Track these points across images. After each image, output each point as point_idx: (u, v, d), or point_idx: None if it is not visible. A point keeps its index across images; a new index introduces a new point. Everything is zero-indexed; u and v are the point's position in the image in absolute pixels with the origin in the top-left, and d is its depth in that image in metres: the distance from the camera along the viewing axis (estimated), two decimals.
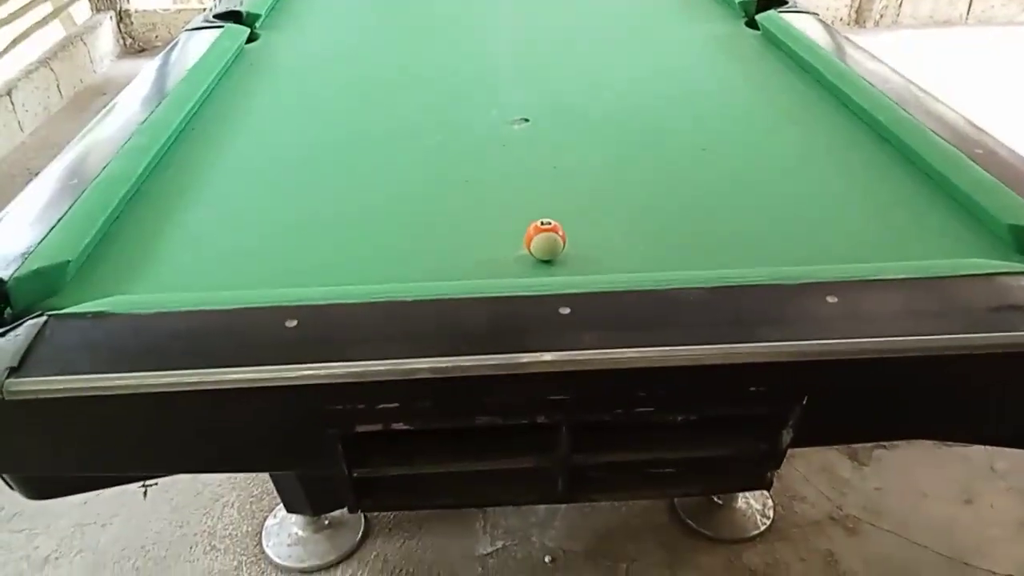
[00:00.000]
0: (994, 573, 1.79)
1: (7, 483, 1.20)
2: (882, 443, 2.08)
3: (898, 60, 1.99)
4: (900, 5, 5.61)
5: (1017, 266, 1.17)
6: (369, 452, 1.15)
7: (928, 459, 2.07)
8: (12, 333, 1.03)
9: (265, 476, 1.89)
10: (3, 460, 1.13)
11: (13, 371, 0.97)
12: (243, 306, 1.09)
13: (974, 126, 1.59)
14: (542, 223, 1.25)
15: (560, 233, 1.25)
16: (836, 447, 2.09)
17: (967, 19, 5.71)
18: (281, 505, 1.84)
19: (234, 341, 1.05)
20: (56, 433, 1.07)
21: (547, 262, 1.25)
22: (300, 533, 1.87)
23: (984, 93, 4.09)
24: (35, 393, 0.98)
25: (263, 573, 1.81)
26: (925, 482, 2.01)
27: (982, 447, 2.04)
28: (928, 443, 2.09)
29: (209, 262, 1.31)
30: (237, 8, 2.42)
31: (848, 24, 5.61)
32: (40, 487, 1.24)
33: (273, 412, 1.08)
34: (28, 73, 4.14)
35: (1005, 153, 1.47)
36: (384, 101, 1.96)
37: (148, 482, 2.00)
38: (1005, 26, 5.63)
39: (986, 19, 5.70)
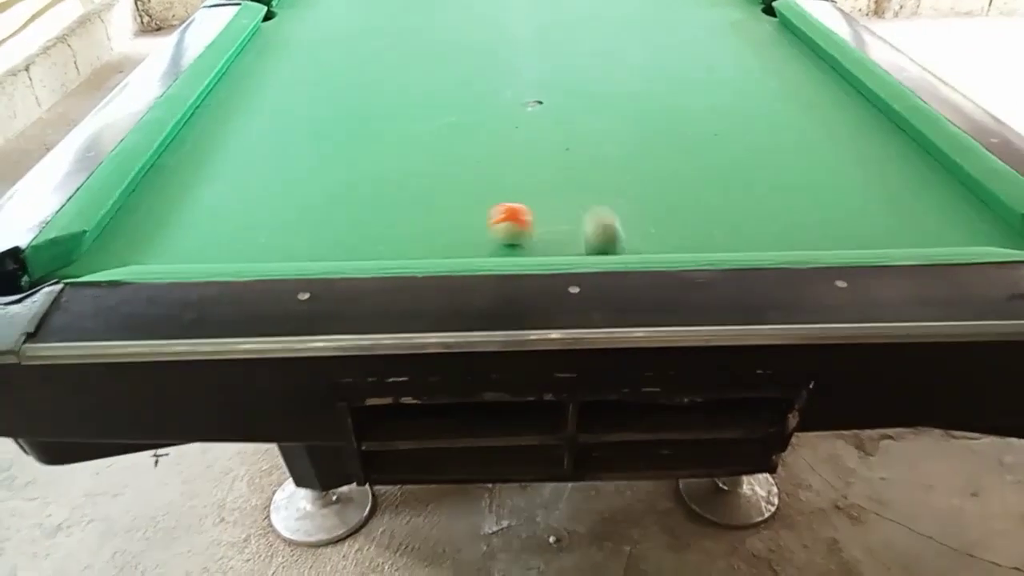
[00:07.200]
0: (998, 566, 1.79)
1: (22, 448, 1.22)
2: (889, 433, 2.09)
3: (917, 51, 1.97)
4: None
5: None
6: (378, 426, 1.17)
7: (935, 451, 2.07)
8: (29, 300, 1.05)
9: (275, 451, 1.92)
10: (19, 424, 1.15)
11: (30, 336, 0.99)
12: (256, 278, 1.10)
13: (990, 115, 1.58)
14: (502, 211, 1.24)
15: (522, 218, 1.23)
16: (843, 436, 2.09)
17: (989, 11, 5.63)
18: (290, 479, 1.86)
19: (247, 312, 1.06)
20: (70, 399, 1.09)
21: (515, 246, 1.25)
22: (308, 507, 1.90)
23: (1005, 85, 4.05)
24: (50, 359, 1.00)
25: (271, 546, 1.84)
26: (932, 474, 2.01)
27: (991, 440, 2.04)
28: (936, 434, 2.09)
29: (223, 235, 1.32)
30: None
31: (867, 14, 5.55)
32: (54, 452, 1.27)
33: (284, 383, 1.09)
34: (46, 49, 4.17)
35: (1021, 143, 1.46)
36: (399, 80, 1.96)
37: (159, 451, 2.04)
38: None
39: (1008, 11, 5.63)
